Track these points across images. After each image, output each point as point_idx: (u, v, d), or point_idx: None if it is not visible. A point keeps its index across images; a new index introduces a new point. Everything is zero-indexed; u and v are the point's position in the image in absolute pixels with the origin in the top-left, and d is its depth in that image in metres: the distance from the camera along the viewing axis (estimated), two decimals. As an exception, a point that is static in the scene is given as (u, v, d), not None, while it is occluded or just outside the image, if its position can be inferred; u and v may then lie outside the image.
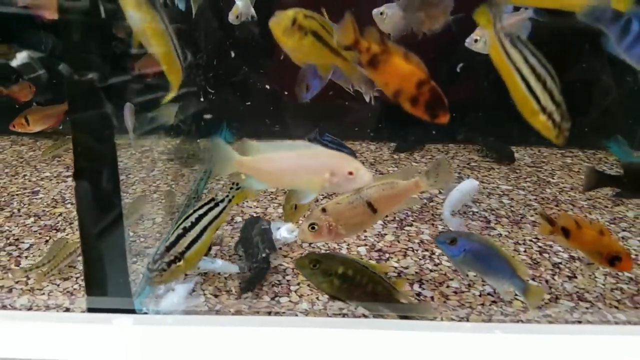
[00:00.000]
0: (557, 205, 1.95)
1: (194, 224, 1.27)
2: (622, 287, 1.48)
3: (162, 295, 1.37)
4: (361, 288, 1.26)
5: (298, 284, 1.51)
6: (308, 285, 1.48)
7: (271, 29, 1.16)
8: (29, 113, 2.19)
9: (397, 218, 1.85)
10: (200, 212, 1.29)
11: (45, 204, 2.03)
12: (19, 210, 1.98)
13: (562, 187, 2.11)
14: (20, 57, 2.41)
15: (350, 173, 1.09)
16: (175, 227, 1.26)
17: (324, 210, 1.23)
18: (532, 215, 1.86)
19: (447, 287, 1.48)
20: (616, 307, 1.41)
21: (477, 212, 1.89)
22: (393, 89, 1.05)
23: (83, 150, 1.22)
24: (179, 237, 1.23)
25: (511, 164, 2.30)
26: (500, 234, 1.75)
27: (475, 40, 1.59)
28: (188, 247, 1.23)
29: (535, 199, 1.99)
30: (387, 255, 1.64)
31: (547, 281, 1.51)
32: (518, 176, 2.19)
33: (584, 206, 1.94)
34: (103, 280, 1.26)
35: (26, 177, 2.29)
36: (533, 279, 1.51)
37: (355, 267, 1.28)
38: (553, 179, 2.19)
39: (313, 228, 1.21)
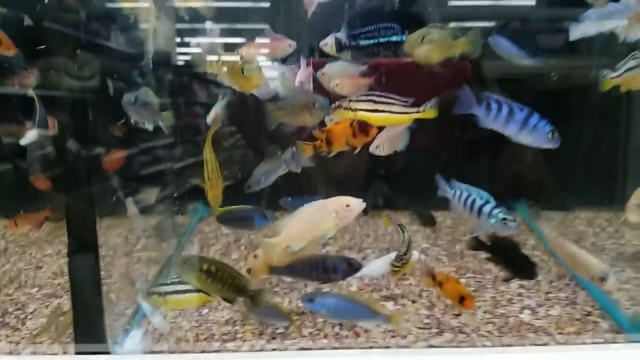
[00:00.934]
0: (462, 259, 2.39)
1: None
2: (494, 322, 1.91)
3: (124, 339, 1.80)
4: (223, 281, 1.57)
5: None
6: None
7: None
8: (17, 218, 2.49)
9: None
10: None
11: (47, 276, 2.47)
12: (25, 282, 2.42)
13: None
14: (30, 136, 2.78)
15: (347, 205, 1.43)
16: None
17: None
18: (439, 267, 2.30)
19: (360, 327, 1.90)
20: (485, 337, 1.83)
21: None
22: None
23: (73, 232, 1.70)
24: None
25: (433, 227, 2.76)
26: (411, 284, 2.19)
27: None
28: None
29: (445, 254, 2.44)
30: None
31: (437, 319, 1.93)
32: (437, 236, 2.64)
33: (482, 258, 2.38)
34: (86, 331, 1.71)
35: (32, 255, 2.74)
36: (427, 317, 1.94)
37: (217, 264, 1.58)
38: (464, 237, 2.64)
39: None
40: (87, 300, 1.72)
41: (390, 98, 1.54)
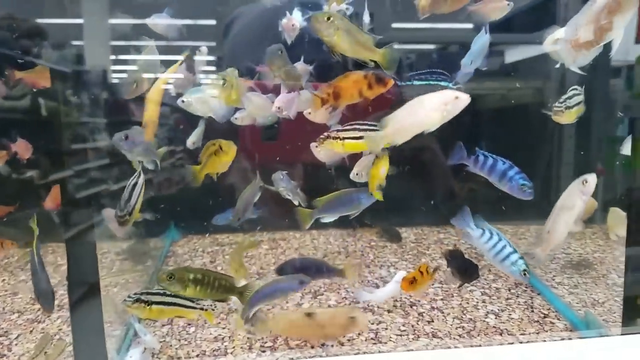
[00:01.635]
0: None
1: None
2: (464, 326, 2.10)
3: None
4: (211, 285, 1.65)
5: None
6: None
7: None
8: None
9: (312, 290, 2.44)
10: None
11: (25, 302, 2.48)
12: (3, 308, 2.43)
13: (434, 257, 2.77)
14: None
15: (457, 97, 1.49)
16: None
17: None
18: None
19: (343, 337, 2.04)
20: (457, 339, 2.02)
21: (370, 280, 2.50)
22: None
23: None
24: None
25: (399, 242, 2.95)
26: (385, 295, 2.36)
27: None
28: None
29: (412, 268, 2.63)
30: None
31: (412, 326, 2.10)
32: (403, 251, 2.84)
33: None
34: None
35: (5, 281, 2.73)
36: (404, 324, 2.11)
37: (201, 271, 1.65)
38: (428, 251, 2.85)
39: None
40: (88, 324, 1.79)
41: (371, 125, 1.69)
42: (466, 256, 1.98)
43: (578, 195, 1.75)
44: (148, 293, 1.73)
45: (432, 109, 1.52)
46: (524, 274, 1.67)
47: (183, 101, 1.90)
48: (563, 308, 2.20)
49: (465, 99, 1.51)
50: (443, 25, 3.53)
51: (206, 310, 1.74)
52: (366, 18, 2.24)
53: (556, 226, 1.80)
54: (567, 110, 1.88)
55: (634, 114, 3.46)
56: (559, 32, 1.79)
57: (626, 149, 1.99)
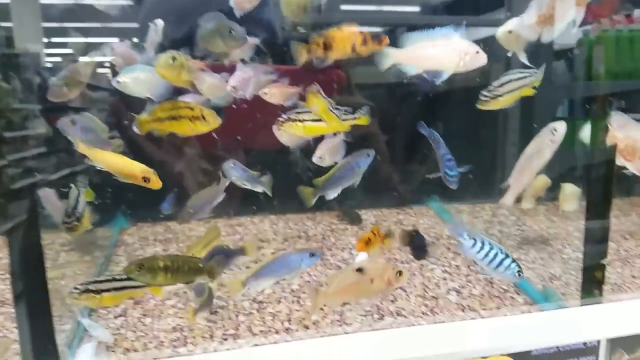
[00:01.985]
0: (389, 251, 2.58)
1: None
2: (427, 304, 2.10)
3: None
4: (179, 270, 1.58)
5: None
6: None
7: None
8: None
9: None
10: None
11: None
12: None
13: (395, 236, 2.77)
14: None
15: (477, 52, 1.52)
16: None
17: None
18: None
19: (308, 320, 2.01)
20: (421, 317, 2.01)
21: (332, 263, 2.47)
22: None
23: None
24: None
25: (359, 224, 2.93)
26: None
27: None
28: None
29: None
30: (264, 304, 2.14)
31: (377, 306, 2.08)
32: (364, 232, 2.82)
33: (407, 249, 2.60)
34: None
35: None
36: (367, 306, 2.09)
37: (169, 258, 1.58)
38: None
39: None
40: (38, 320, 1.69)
41: (334, 107, 1.70)
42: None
43: (547, 143, 1.77)
44: (95, 282, 1.67)
45: (453, 50, 1.53)
46: (518, 275, 1.70)
47: (118, 82, 1.75)
48: (522, 283, 2.23)
49: (483, 59, 1.55)
50: (390, 8, 3.55)
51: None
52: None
53: (523, 173, 1.84)
54: (496, 99, 1.81)
55: (574, 96, 3.57)
56: (511, 23, 1.84)
57: (585, 134, 2.03)
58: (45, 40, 2.54)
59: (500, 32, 1.85)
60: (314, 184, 1.86)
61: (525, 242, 2.71)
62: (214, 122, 1.60)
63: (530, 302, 2.12)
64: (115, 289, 1.68)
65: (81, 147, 1.60)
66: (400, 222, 3.01)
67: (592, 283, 1.98)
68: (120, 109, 2.21)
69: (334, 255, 2.55)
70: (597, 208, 1.96)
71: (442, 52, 1.56)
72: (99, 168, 1.61)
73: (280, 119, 1.68)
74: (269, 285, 1.93)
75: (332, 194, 1.88)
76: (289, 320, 2.00)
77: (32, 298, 1.72)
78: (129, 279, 1.63)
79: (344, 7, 3.23)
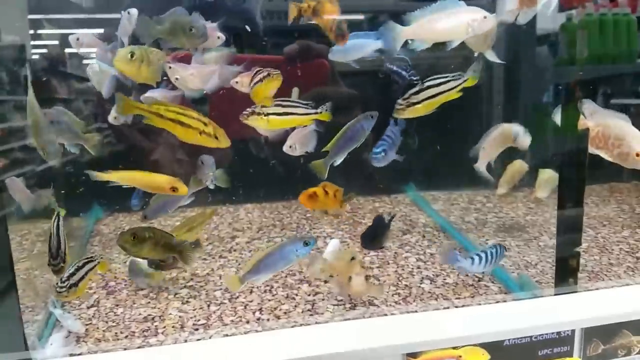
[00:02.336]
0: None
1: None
2: (399, 293, 2.10)
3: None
4: (158, 243, 1.66)
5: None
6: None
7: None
8: None
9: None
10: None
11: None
12: None
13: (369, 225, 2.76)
14: None
15: (485, 17, 1.54)
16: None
17: None
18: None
19: (280, 310, 1.99)
20: (393, 306, 2.01)
21: (307, 252, 2.46)
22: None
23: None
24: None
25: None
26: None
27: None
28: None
29: (349, 237, 2.61)
30: (236, 294, 2.12)
31: (349, 295, 2.07)
32: (339, 221, 2.81)
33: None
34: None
35: None
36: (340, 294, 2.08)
37: (152, 230, 1.66)
38: (364, 220, 2.83)
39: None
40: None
41: (294, 102, 1.74)
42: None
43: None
44: (73, 274, 1.72)
45: (461, 18, 1.55)
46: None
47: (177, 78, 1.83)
48: (497, 270, 2.23)
49: (491, 23, 1.56)
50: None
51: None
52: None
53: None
54: (412, 107, 1.78)
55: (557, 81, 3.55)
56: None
57: (557, 117, 2.02)
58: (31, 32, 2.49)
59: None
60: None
61: (501, 230, 2.71)
62: (224, 142, 1.60)
63: (505, 290, 2.12)
64: (84, 276, 1.74)
65: (98, 175, 1.65)
66: (376, 210, 3.00)
67: (567, 271, 1.98)
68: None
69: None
70: (570, 195, 1.96)
71: (450, 22, 1.59)
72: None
73: (245, 112, 1.66)
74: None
75: (340, 159, 1.88)
76: (261, 310, 1.99)
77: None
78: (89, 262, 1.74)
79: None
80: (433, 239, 2.59)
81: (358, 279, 1.68)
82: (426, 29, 1.59)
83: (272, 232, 2.70)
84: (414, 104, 1.73)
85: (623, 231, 2.69)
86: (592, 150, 1.74)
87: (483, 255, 1.90)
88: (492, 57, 1.88)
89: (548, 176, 2.66)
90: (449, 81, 1.77)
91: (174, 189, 1.65)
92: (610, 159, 1.69)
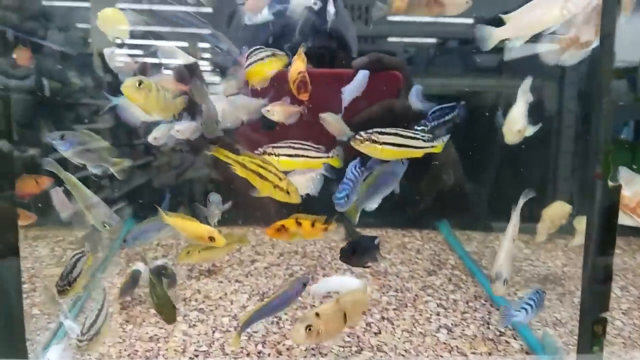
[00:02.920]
0: (385, 277, 2.48)
1: None
2: (412, 340, 1.99)
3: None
4: None
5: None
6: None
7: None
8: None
9: (260, 292, 2.33)
10: None
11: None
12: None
13: (393, 261, 2.66)
14: None
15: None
16: None
17: (317, 315, 1.51)
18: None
19: (283, 345, 1.94)
20: (402, 355, 1.91)
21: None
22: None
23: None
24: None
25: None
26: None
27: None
28: None
29: (370, 272, 2.52)
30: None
31: (358, 337, 1.99)
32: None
33: (405, 277, 2.49)
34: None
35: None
36: (348, 335, 2.00)
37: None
38: (389, 255, 2.73)
39: (309, 329, 1.48)
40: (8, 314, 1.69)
41: (305, 145, 1.72)
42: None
43: None
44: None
45: (553, 4, 1.52)
46: None
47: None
48: (520, 326, 2.08)
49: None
50: (442, 20, 3.42)
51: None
52: (331, 9, 2.19)
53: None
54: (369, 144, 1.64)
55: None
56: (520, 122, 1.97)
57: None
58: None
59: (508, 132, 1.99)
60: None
61: (533, 280, 2.54)
62: (295, 199, 1.61)
63: (527, 349, 1.97)
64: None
65: (165, 218, 1.74)
66: (404, 245, 2.89)
67: (591, 337, 1.81)
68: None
69: (326, 275, 2.47)
70: (598, 248, 1.79)
71: (544, 11, 1.55)
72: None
73: (257, 152, 1.65)
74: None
75: (373, 205, 1.84)
76: (264, 343, 1.93)
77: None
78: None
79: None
80: (459, 283, 2.46)
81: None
82: (520, 22, 1.58)
83: (293, 259, 2.65)
84: (373, 141, 1.61)
85: (673, 293, 2.46)
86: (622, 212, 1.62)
87: (532, 303, 1.76)
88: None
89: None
90: (417, 139, 1.68)
91: (211, 239, 1.71)
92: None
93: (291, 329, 1.58)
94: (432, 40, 3.14)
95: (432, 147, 1.70)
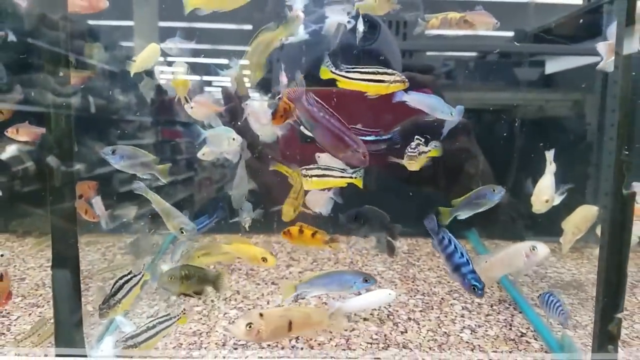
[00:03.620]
0: (413, 282, 2.61)
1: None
2: (436, 339, 2.12)
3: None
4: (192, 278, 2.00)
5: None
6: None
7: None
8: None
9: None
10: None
11: (30, 287, 2.64)
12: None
13: (422, 267, 2.79)
14: (10, 150, 2.73)
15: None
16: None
17: (261, 315, 1.62)
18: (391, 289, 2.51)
19: (315, 341, 2.09)
20: (426, 352, 2.04)
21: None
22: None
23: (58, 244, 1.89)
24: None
25: (392, 255, 2.97)
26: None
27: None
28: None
29: (399, 278, 2.66)
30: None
31: (385, 335, 2.13)
32: (393, 261, 2.87)
33: (432, 282, 2.61)
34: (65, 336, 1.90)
35: (16, 267, 2.90)
36: (376, 333, 2.14)
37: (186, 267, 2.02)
38: (418, 262, 2.87)
39: (249, 327, 1.59)
40: (68, 309, 1.90)
41: (331, 167, 1.97)
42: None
43: (521, 256, 1.84)
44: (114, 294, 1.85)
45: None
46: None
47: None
48: (541, 327, 2.19)
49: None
50: (479, 33, 3.55)
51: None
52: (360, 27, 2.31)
53: (493, 270, 1.92)
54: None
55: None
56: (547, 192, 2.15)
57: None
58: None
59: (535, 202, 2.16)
60: (452, 204, 2.02)
61: (557, 286, 2.63)
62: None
63: (546, 349, 2.07)
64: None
65: (226, 247, 2.07)
66: (433, 252, 3.02)
67: (607, 338, 1.91)
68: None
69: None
70: (613, 251, 1.89)
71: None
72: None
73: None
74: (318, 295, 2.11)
75: (464, 215, 2.02)
76: (297, 339, 2.10)
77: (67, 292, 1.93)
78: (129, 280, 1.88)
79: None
80: (485, 288, 2.57)
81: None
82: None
83: (326, 266, 2.82)
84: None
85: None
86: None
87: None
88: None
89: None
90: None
91: (264, 259, 1.98)
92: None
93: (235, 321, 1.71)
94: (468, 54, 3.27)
95: (350, 177, 1.94)
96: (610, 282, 1.90)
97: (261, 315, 1.61)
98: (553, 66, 3.45)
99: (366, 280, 1.90)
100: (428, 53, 3.40)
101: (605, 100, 3.14)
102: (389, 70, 1.84)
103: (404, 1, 3.16)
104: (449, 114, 1.93)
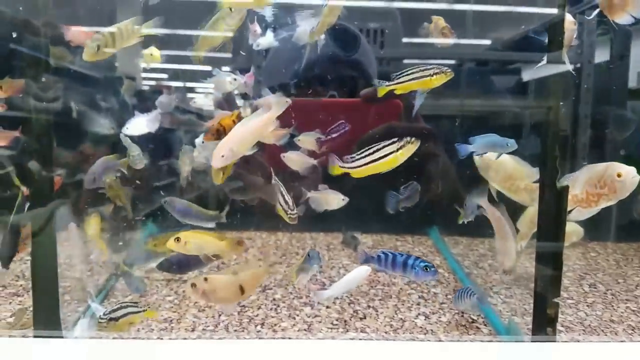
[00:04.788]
0: (375, 274, 2.77)
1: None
2: (392, 324, 2.28)
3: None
4: None
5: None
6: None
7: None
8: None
9: (262, 285, 2.64)
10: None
11: (10, 278, 2.74)
12: (-10, 284, 2.70)
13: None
14: None
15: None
16: None
17: (205, 279, 1.71)
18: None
19: (279, 326, 2.24)
20: (382, 336, 2.19)
21: (319, 279, 2.70)
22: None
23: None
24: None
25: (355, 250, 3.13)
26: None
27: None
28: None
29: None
30: (246, 308, 2.39)
31: (345, 321, 2.28)
32: (357, 254, 3.02)
33: (393, 274, 2.77)
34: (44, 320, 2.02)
35: (-4, 261, 3.00)
36: (337, 319, 2.30)
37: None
38: (380, 255, 3.03)
39: (193, 286, 1.72)
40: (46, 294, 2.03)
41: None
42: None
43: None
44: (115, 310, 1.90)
45: None
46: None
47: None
48: (490, 314, 2.35)
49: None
50: (459, 41, 3.69)
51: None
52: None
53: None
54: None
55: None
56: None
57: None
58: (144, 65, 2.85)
59: None
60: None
61: (510, 277, 2.81)
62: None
63: (494, 333, 2.24)
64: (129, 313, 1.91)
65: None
66: (396, 248, 3.18)
67: (544, 321, 2.07)
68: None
69: (322, 272, 2.77)
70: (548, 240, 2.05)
71: None
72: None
73: None
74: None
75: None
76: (262, 324, 2.24)
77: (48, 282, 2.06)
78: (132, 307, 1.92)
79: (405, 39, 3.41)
80: (441, 279, 2.74)
81: None
82: None
83: (294, 259, 2.97)
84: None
85: (636, 290, 2.70)
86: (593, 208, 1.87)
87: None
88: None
89: (571, 229, 2.72)
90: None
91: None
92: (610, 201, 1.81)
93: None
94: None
95: None
96: (546, 270, 2.06)
97: (205, 279, 1.73)
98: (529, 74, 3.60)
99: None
100: (405, 61, 3.52)
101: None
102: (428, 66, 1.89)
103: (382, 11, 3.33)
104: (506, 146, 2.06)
